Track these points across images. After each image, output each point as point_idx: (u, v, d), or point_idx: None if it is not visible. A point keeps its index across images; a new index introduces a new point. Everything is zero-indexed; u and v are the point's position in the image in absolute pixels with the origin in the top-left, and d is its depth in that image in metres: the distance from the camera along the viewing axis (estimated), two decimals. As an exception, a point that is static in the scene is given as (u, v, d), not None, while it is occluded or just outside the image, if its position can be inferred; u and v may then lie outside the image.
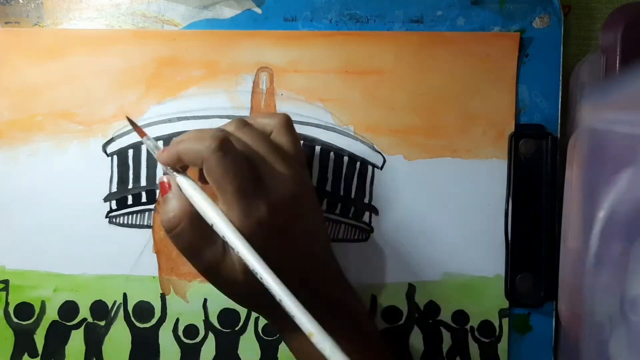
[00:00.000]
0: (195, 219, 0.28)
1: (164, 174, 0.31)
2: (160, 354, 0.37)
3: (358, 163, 0.36)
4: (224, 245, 0.28)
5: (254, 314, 0.37)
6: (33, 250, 0.36)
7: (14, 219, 0.36)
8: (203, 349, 0.37)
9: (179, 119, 0.36)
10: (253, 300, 0.31)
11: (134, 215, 0.37)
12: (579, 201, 0.31)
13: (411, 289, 0.36)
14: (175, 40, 0.36)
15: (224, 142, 0.27)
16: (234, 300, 0.31)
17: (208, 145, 0.27)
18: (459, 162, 0.36)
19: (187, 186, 0.29)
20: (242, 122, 0.30)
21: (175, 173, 0.30)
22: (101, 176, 0.37)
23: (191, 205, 0.28)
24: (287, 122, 0.31)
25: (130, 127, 0.36)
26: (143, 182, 0.37)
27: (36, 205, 0.36)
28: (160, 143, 0.36)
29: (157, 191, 0.37)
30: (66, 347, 0.37)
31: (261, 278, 0.26)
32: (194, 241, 0.28)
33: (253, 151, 0.29)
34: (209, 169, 0.27)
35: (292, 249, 0.30)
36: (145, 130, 0.36)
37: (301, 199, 0.30)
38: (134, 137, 0.36)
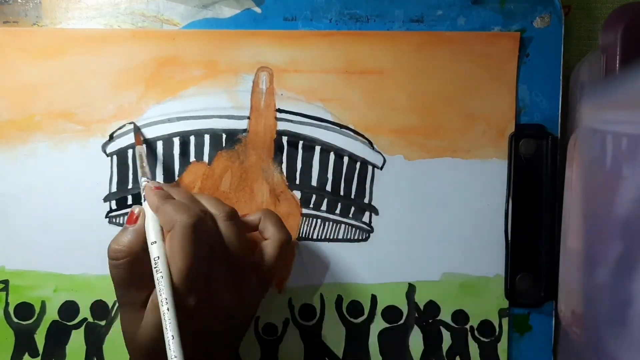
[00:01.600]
0: (137, 262, 0.30)
1: (146, 185, 0.32)
2: (161, 353, 0.37)
3: (358, 163, 0.36)
4: (145, 302, 0.30)
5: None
6: (33, 250, 0.36)
7: (14, 219, 0.36)
8: (203, 348, 0.37)
9: (179, 118, 0.36)
10: (136, 356, 0.31)
11: (134, 215, 0.37)
12: (579, 201, 0.31)
13: (411, 289, 0.36)
14: (175, 40, 0.36)
15: (195, 224, 0.29)
16: (125, 344, 0.31)
17: (181, 218, 0.29)
18: (459, 162, 0.36)
19: (151, 222, 0.30)
20: (232, 215, 0.31)
21: (147, 207, 0.31)
22: (101, 176, 0.36)
23: (141, 250, 0.30)
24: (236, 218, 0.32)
25: (129, 126, 0.36)
26: (143, 182, 0.37)
27: (36, 205, 0.36)
28: (160, 144, 0.36)
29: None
30: (67, 346, 0.37)
31: (166, 329, 0.27)
32: (126, 279, 0.30)
33: (220, 247, 0.30)
34: (170, 238, 0.29)
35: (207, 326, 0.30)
36: (146, 129, 0.36)
37: (233, 315, 0.31)
38: (134, 137, 0.36)
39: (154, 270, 0.28)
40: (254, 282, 0.32)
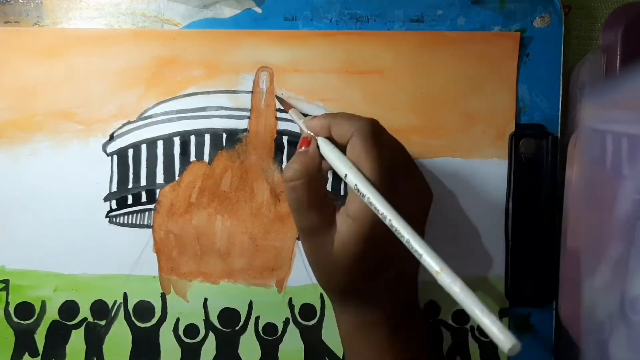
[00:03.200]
0: (314, 182, 0.29)
1: (302, 123, 0.32)
2: (161, 353, 0.37)
3: (358, 163, 0.36)
4: (331, 219, 0.30)
5: (254, 314, 0.37)
6: (33, 250, 0.36)
7: (14, 219, 0.36)
8: (203, 348, 0.37)
9: (179, 118, 0.36)
10: (334, 277, 0.31)
11: (134, 215, 0.37)
12: (579, 201, 0.31)
13: (411, 289, 0.36)
14: (175, 40, 0.36)
15: (375, 124, 0.29)
16: (314, 272, 0.32)
17: (360, 124, 0.29)
18: (459, 162, 0.36)
19: (327, 148, 0.30)
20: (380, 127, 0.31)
21: (318, 137, 0.30)
22: (101, 176, 0.37)
23: (317, 172, 0.30)
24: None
25: (129, 126, 0.36)
26: (143, 182, 0.37)
27: (36, 205, 0.36)
28: (160, 144, 0.36)
29: (158, 191, 0.37)
30: (67, 346, 0.37)
31: (390, 221, 0.26)
32: (305, 199, 0.29)
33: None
34: (354, 145, 0.28)
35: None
36: (146, 129, 0.37)
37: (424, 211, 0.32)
38: (134, 137, 0.36)
39: (361, 196, 0.28)
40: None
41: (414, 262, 0.27)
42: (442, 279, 0.26)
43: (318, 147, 0.30)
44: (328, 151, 0.30)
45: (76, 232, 0.36)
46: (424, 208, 0.33)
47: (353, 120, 0.29)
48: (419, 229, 0.32)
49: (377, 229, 0.28)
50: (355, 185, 0.28)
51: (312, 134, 0.31)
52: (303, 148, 0.30)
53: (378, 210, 0.27)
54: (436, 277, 0.26)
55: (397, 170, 0.30)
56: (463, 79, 0.36)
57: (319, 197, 0.30)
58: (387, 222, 0.27)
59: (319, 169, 0.30)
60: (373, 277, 0.30)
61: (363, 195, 0.28)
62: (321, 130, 0.30)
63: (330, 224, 0.30)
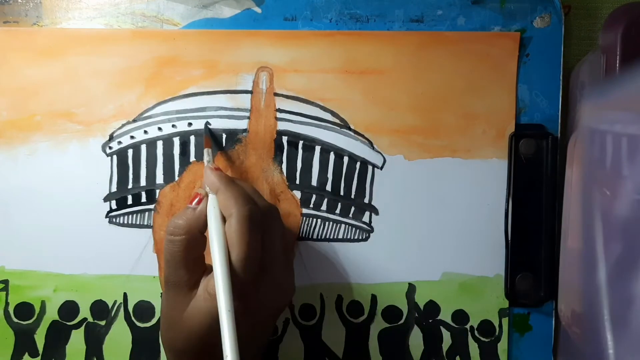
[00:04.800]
0: (193, 241, 0.30)
1: (206, 166, 0.32)
2: (161, 354, 0.37)
3: (358, 163, 0.36)
4: (197, 281, 0.30)
5: (254, 314, 0.37)
6: (33, 250, 0.36)
7: (14, 219, 0.36)
8: (203, 348, 0.37)
9: (179, 118, 0.36)
10: (177, 336, 0.31)
11: (134, 215, 0.37)
12: (579, 201, 0.31)
13: (411, 289, 0.36)
14: (175, 40, 0.36)
15: (252, 213, 0.29)
16: (164, 327, 0.32)
17: (240, 209, 0.29)
18: (459, 162, 0.36)
19: (212, 213, 0.30)
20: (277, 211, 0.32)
21: (212, 194, 0.31)
22: (101, 176, 0.37)
23: (199, 232, 0.30)
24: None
25: (129, 126, 0.36)
26: (143, 182, 0.37)
27: (36, 205, 0.36)
28: (160, 144, 0.36)
29: (157, 191, 0.37)
30: (66, 346, 0.37)
31: (221, 323, 0.27)
32: (179, 255, 0.30)
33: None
34: (230, 224, 0.29)
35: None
36: (146, 129, 0.36)
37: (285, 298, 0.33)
38: (134, 137, 0.36)
39: (213, 257, 0.28)
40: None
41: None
42: None
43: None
44: (212, 216, 0.30)
45: (76, 232, 0.36)
46: (280, 305, 0.33)
47: (238, 201, 0.29)
48: (268, 323, 0.33)
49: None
50: (214, 265, 0.28)
51: (207, 189, 0.31)
52: (193, 204, 0.31)
53: (218, 300, 0.27)
54: None
55: (267, 261, 0.30)
56: (463, 79, 0.36)
57: (194, 257, 0.30)
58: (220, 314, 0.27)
59: (201, 230, 0.30)
60: (210, 351, 0.30)
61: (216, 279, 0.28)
62: (214, 189, 0.31)
63: (194, 286, 0.30)
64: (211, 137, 0.36)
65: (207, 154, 0.34)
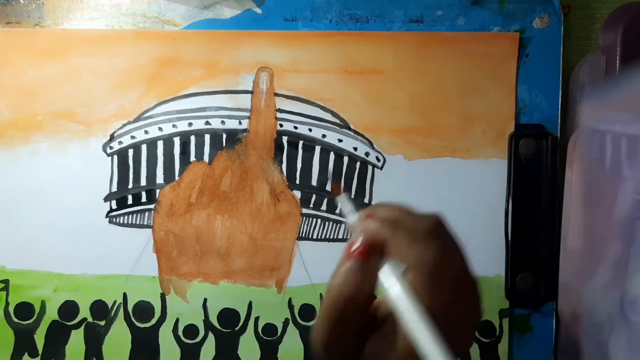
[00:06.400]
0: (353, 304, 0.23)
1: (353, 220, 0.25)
2: (160, 353, 0.37)
3: (358, 163, 0.36)
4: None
5: (253, 314, 0.37)
6: (33, 250, 0.36)
7: (14, 219, 0.36)
8: (203, 348, 0.37)
9: (179, 118, 0.36)
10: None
11: (134, 215, 0.37)
12: (579, 201, 0.31)
13: (411, 289, 0.36)
14: (176, 41, 0.36)
15: (439, 254, 0.22)
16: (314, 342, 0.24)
17: (423, 255, 0.22)
18: (459, 162, 0.36)
19: (403, 298, 0.22)
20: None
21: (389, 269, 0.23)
22: (101, 176, 0.37)
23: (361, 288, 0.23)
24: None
25: (130, 126, 0.37)
26: (143, 182, 0.37)
27: (36, 205, 0.36)
28: (160, 144, 0.36)
29: (158, 191, 0.37)
30: (66, 346, 0.37)
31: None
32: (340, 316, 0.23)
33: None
34: (415, 279, 0.22)
35: None
36: (147, 129, 0.37)
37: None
38: (134, 137, 0.36)
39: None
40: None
41: None
42: None
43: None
44: (406, 307, 0.22)
45: (76, 232, 0.36)
46: (470, 332, 0.26)
47: (417, 245, 0.23)
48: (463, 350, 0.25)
49: None
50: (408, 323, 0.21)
51: (367, 238, 0.23)
52: (354, 258, 0.23)
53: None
54: None
55: (454, 296, 0.23)
56: (463, 79, 0.36)
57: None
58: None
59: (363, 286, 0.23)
60: None
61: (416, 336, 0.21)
62: (377, 240, 0.23)
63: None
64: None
65: (345, 206, 0.26)
